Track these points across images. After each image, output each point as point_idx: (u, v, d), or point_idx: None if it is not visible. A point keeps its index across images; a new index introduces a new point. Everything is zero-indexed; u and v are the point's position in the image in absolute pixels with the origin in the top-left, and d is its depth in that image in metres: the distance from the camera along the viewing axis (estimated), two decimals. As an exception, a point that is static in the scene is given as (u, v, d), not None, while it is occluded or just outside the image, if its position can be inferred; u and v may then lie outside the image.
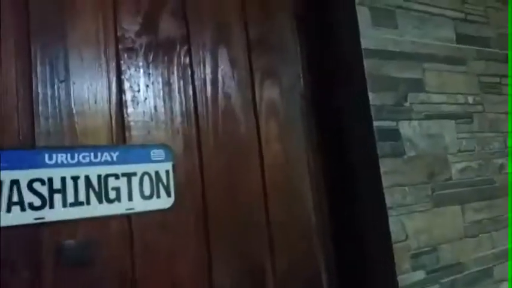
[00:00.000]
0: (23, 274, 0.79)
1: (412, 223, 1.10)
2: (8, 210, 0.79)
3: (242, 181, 1.08)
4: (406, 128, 1.16)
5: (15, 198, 0.80)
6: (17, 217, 0.80)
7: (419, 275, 1.08)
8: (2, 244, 0.78)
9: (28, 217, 0.80)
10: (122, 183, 0.92)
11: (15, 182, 0.80)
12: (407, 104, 1.18)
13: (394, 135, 1.13)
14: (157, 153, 0.98)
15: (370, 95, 1.11)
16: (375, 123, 1.10)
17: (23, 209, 0.80)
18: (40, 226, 0.82)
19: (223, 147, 1.07)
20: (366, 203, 1.10)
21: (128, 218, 0.91)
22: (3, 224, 0.78)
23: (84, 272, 0.84)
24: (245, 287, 1.03)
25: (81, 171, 0.87)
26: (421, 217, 1.12)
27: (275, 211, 1.11)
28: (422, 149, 1.17)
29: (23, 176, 0.81)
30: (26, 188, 0.81)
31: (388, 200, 1.07)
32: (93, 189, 0.88)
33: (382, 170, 1.08)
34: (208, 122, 1.07)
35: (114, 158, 0.92)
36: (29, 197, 0.81)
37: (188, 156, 1.03)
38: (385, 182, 1.08)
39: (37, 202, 0.82)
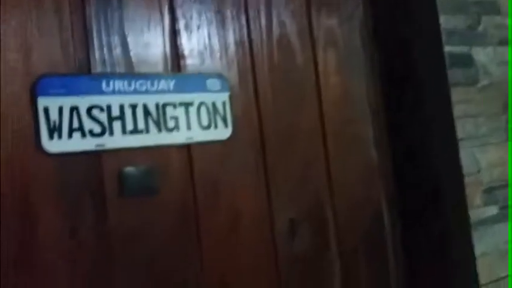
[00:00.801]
0: (87, 201, 0.79)
1: (485, 156, 1.02)
2: (70, 136, 0.78)
3: (299, 114, 1.03)
4: (480, 54, 1.05)
5: (75, 125, 0.78)
6: (79, 143, 0.78)
7: (492, 210, 1.01)
8: (65, 171, 0.77)
9: (89, 144, 0.79)
10: (180, 112, 0.89)
11: (74, 109, 0.79)
12: (480, 28, 1.07)
13: (466, 61, 1.03)
14: (213, 83, 0.94)
15: (441, 18, 1.01)
16: (446, 48, 1.00)
17: (83, 136, 0.79)
18: (101, 153, 0.81)
19: (278, 78, 1.02)
20: (434, 134, 1.02)
21: (187, 147, 0.89)
22: (65, 149, 0.77)
23: (147, 201, 0.83)
24: (305, 224, 1.00)
25: (139, 99, 0.85)
26: (495, 150, 1.04)
27: (334, 148, 1.06)
28: (497, 77, 1.07)
29: (82, 102, 0.79)
30: (86, 115, 0.79)
31: (460, 131, 0.99)
32: (152, 118, 0.86)
33: (453, 99, 0.99)
34: (263, 52, 1.01)
35: (171, 87, 0.89)
36: (88, 124, 0.80)
37: (243, 87, 0.98)
38: (457, 112, 0.99)
39: (97, 129, 0.80)
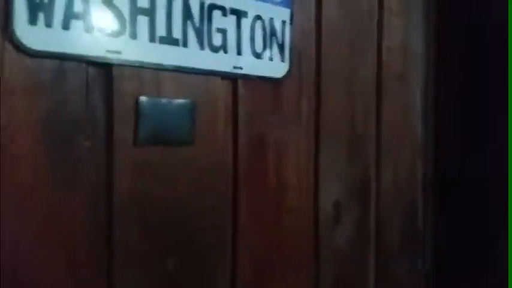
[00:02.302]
0: (81, 142, 0.47)
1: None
2: (66, 25, 0.43)
3: (358, 56, 0.77)
4: None
5: (77, 7, 0.44)
6: (79, 41, 0.44)
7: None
8: (52, 87, 0.44)
9: (97, 46, 0.46)
10: (230, 23, 0.57)
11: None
12: None
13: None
14: (275, -9, 0.63)
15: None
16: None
17: (89, 30, 0.45)
18: (113, 66, 0.48)
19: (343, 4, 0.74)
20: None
21: (233, 81, 0.59)
22: (56, 48, 0.43)
23: (172, 151, 0.53)
24: (349, 188, 0.77)
25: (179, -11, 0.52)
26: None
27: (386, 110, 0.82)
28: None
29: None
30: (96, -6, 0.45)
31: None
32: (193, 24, 0.53)
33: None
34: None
35: (223, -18, 0.56)
36: (99, 11, 0.46)
37: (306, 8, 0.69)
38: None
39: (112, 23, 0.47)
